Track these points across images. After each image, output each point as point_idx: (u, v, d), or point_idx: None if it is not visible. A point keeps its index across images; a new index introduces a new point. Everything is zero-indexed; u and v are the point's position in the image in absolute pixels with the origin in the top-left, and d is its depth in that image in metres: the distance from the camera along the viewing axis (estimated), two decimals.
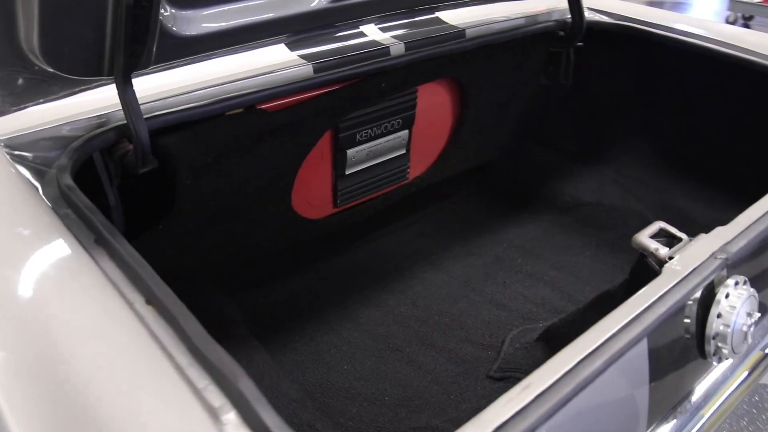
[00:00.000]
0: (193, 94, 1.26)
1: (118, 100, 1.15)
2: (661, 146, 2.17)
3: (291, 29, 1.50)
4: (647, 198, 2.08)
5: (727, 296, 1.07)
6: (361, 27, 1.67)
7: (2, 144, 1.09)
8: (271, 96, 1.36)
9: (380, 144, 1.82)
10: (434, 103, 1.90)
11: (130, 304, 0.78)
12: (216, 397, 0.68)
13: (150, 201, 1.32)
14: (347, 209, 1.86)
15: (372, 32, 1.67)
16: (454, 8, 1.90)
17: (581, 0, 1.96)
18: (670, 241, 1.20)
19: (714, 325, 1.06)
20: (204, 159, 1.29)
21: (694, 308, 1.07)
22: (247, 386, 0.67)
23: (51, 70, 1.05)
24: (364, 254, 1.95)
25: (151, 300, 0.78)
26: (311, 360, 1.53)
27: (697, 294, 1.07)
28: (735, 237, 1.13)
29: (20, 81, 1.07)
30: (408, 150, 1.93)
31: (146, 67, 1.16)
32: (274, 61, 1.44)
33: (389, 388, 1.45)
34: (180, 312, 0.75)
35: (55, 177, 1.01)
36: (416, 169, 2.01)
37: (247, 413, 0.65)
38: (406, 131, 1.87)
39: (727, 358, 1.11)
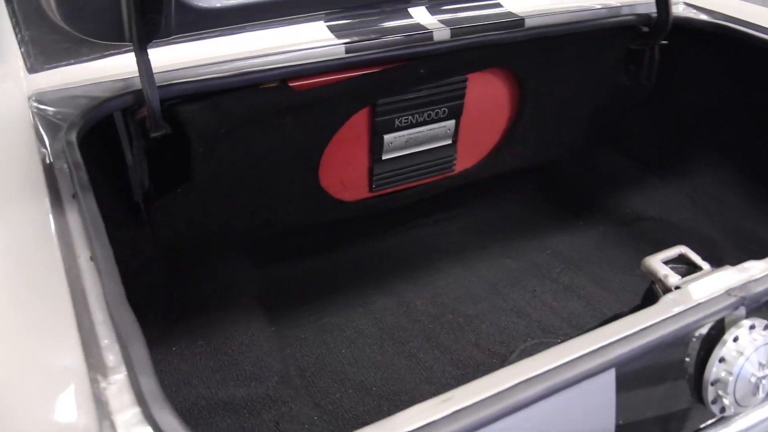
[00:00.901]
0: (215, 66, 1.30)
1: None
2: (751, 166, 1.91)
3: (331, 6, 1.50)
4: (722, 222, 1.85)
5: (736, 339, 0.93)
6: (409, 9, 1.63)
7: (33, 99, 1.19)
8: (294, 74, 1.36)
9: (422, 132, 1.77)
10: (487, 94, 1.81)
11: (76, 257, 0.82)
12: (114, 356, 0.70)
13: (167, 165, 1.39)
14: (384, 195, 1.84)
15: (420, 15, 1.62)
16: None
17: None
18: (689, 269, 1.06)
19: (714, 369, 0.93)
20: (217, 130, 1.33)
21: (696, 347, 0.95)
22: (138, 351, 0.68)
23: (78, 34, 1.13)
24: (394, 242, 1.92)
25: (93, 257, 0.81)
26: (313, 338, 1.55)
27: (701, 332, 0.94)
28: (765, 275, 0.98)
29: (51, 42, 1.15)
30: (455, 141, 1.86)
31: (167, 36, 1.21)
32: (307, 38, 1.44)
33: (380, 379, 1.43)
34: (110, 272, 0.78)
35: (64, 133, 1.09)
36: (464, 161, 1.94)
37: (132, 377, 0.67)
38: (453, 121, 1.80)
39: (730, 410, 0.97)
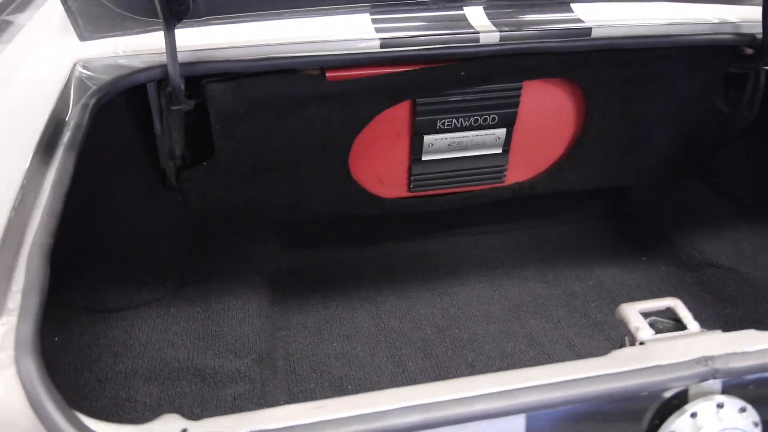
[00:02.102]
0: (242, 50, 1.35)
1: (180, 43, 1.30)
2: None
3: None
4: None
5: (694, 415, 0.80)
6: (465, 8, 1.57)
7: (80, 63, 1.32)
8: (319, 64, 1.37)
9: (467, 137, 1.70)
10: (546, 105, 1.69)
11: (34, 207, 0.90)
12: (15, 302, 0.76)
13: (192, 139, 1.47)
14: (424, 197, 1.79)
15: (474, 15, 1.55)
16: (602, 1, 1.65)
17: None
18: (672, 326, 0.92)
19: None
20: (236, 110, 1.38)
21: (652, 413, 0.82)
22: (30, 300, 0.74)
23: (116, 8, 1.23)
24: (427, 247, 1.87)
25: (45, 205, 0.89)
26: (312, 326, 1.56)
27: (664, 396, 0.81)
28: (757, 350, 0.82)
29: (97, 14, 1.27)
30: (506, 151, 1.76)
31: (197, 17, 1.29)
32: (344, 29, 1.44)
33: (359, 378, 1.40)
34: (48, 225, 0.85)
35: (86, 97, 1.20)
36: (516, 174, 1.83)
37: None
38: (504, 130, 1.71)
39: None
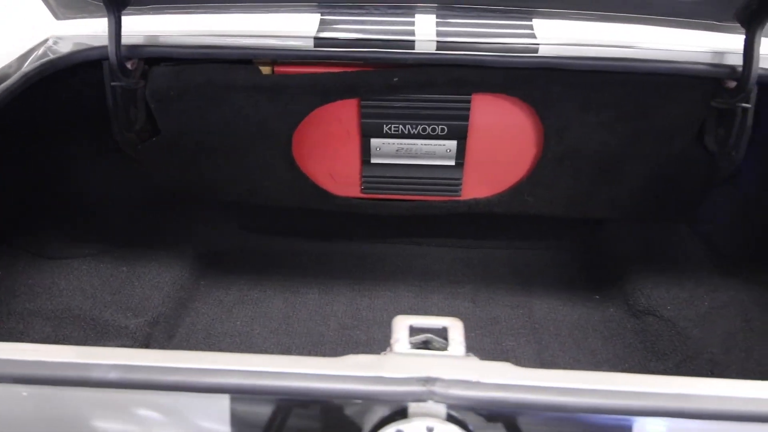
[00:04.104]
0: (183, 38, 1.46)
1: (135, 27, 1.45)
2: None
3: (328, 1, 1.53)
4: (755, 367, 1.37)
5: None
6: (417, 16, 1.57)
7: (51, 40, 1.51)
8: (250, 56, 1.45)
9: (416, 145, 1.69)
10: (501, 122, 1.63)
11: None
12: None
13: (138, 115, 1.61)
14: (376, 200, 1.80)
15: (423, 23, 1.54)
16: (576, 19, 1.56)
17: (756, 41, 1.37)
18: (446, 345, 0.88)
19: None
20: (167, 92, 1.49)
21: (367, 425, 0.80)
22: None
23: None
24: (374, 249, 1.86)
25: None
26: (227, 304, 1.63)
27: (370, 412, 0.79)
28: (492, 383, 0.78)
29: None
30: (459, 164, 1.72)
31: (143, 5, 1.42)
32: (286, 26, 1.51)
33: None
34: None
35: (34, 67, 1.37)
36: (474, 189, 1.78)
37: None
38: (454, 142, 1.67)
39: None
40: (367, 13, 1.57)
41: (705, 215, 1.73)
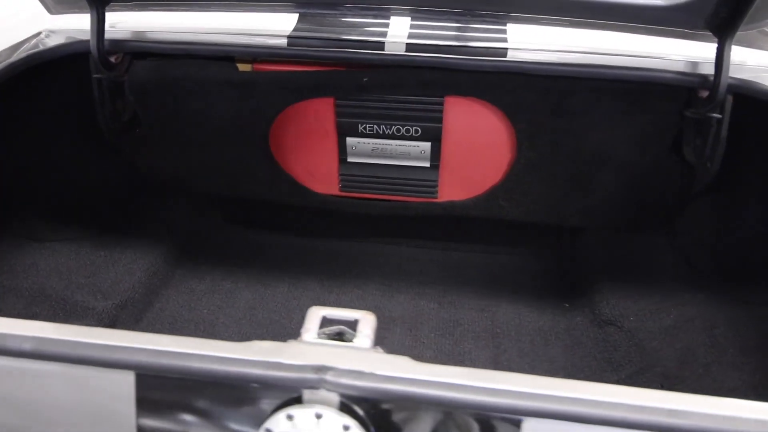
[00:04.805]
0: (163, 34, 1.52)
1: (120, 22, 1.52)
2: None
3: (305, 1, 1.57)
4: (715, 379, 1.33)
5: (290, 417, 0.79)
6: (392, 17, 1.59)
7: (44, 33, 1.59)
8: (225, 53, 1.50)
9: (391, 145, 1.70)
10: (474, 125, 1.64)
11: None
12: None
13: (122, 107, 1.67)
14: (355, 198, 1.83)
15: (397, 25, 1.56)
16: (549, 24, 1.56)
17: (725, 49, 1.34)
18: (351, 336, 0.90)
19: None
20: (145, 85, 1.55)
21: (267, 408, 0.83)
22: None
23: None
24: (350, 247, 1.88)
25: None
26: (199, 293, 1.68)
27: (268, 396, 0.82)
28: (385, 375, 0.79)
29: None
30: (435, 166, 1.73)
31: (124, 1, 1.48)
32: (264, 25, 1.55)
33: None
34: None
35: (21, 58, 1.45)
36: (450, 192, 1.78)
37: None
38: (428, 144, 1.68)
39: None
40: (343, 14, 1.60)
41: (683, 228, 1.69)
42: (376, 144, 1.74)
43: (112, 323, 1.49)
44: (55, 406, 0.87)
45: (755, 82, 1.40)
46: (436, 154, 1.72)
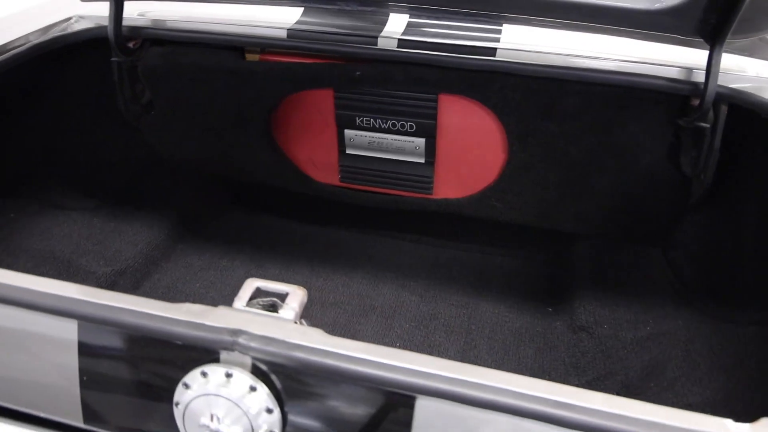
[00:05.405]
0: (176, 23, 1.62)
1: (148, 12, 1.65)
2: None
3: None
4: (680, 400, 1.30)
5: (204, 374, 0.86)
6: (391, 14, 1.63)
7: (74, 18, 1.73)
8: (229, 43, 1.59)
9: (386, 139, 1.74)
10: (467, 124, 1.65)
11: None
12: None
13: (140, 90, 1.78)
14: (355, 190, 1.88)
15: (395, 22, 1.60)
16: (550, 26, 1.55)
17: (714, 56, 1.30)
18: (278, 308, 0.95)
19: (179, 387, 0.88)
20: (156, 70, 1.65)
21: (190, 363, 0.89)
22: None
23: None
24: (348, 237, 1.93)
25: None
26: (195, 268, 1.78)
27: (191, 352, 0.89)
28: (295, 343, 0.84)
29: None
30: (430, 162, 1.75)
31: None
32: (267, 17, 1.63)
33: None
34: None
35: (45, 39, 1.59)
36: (445, 189, 1.80)
37: None
38: (422, 140, 1.71)
39: None
40: (345, 10, 1.66)
41: (677, 241, 1.65)
42: (372, 137, 1.78)
43: (111, 287, 1.61)
44: (8, 346, 0.97)
45: (749, 93, 1.35)
46: (430, 151, 1.75)
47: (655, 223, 1.66)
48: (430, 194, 1.85)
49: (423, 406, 0.83)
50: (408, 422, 0.84)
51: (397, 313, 1.65)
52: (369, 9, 1.64)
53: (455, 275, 1.81)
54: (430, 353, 1.51)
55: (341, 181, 1.90)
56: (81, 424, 0.98)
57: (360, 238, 1.94)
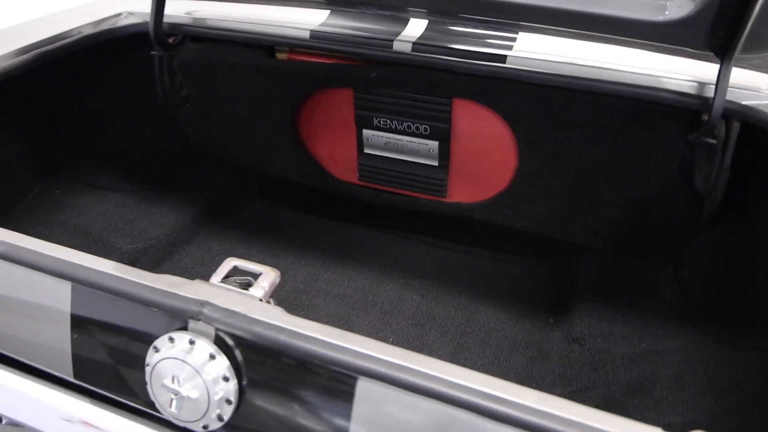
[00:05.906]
0: (210, 21, 1.74)
1: (195, 11, 1.78)
2: None
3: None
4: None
5: (171, 340, 0.94)
6: (411, 19, 1.67)
7: (123, 14, 1.87)
8: (258, 42, 1.69)
9: (402, 141, 1.78)
10: (480, 129, 1.67)
11: None
12: None
13: (177, 83, 1.91)
14: (373, 189, 1.93)
15: (414, 26, 1.65)
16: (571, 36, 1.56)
17: (723, 70, 1.27)
18: (251, 282, 1.01)
19: (150, 350, 0.95)
20: (189, 65, 1.77)
21: (159, 331, 0.97)
22: None
23: None
24: (364, 234, 1.98)
25: None
26: (216, 252, 1.88)
27: (162, 320, 0.97)
28: (255, 318, 0.90)
29: None
30: (443, 165, 1.78)
31: None
32: (294, 18, 1.71)
33: None
34: None
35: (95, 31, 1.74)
36: (459, 193, 1.82)
37: None
38: (436, 143, 1.74)
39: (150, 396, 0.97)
40: (367, 14, 1.72)
41: (688, 259, 1.60)
42: (388, 138, 1.83)
43: (133, 263, 1.74)
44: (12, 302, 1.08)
45: (762, 110, 1.31)
46: (444, 154, 1.78)
47: (666, 240, 1.62)
48: (444, 197, 1.87)
49: (364, 387, 0.87)
50: (349, 401, 0.88)
51: (397, 310, 1.69)
52: (389, 13, 1.70)
53: (461, 278, 1.83)
54: (421, 351, 1.55)
55: (359, 180, 1.97)
56: (71, 379, 1.09)
57: (372, 236, 1.99)
